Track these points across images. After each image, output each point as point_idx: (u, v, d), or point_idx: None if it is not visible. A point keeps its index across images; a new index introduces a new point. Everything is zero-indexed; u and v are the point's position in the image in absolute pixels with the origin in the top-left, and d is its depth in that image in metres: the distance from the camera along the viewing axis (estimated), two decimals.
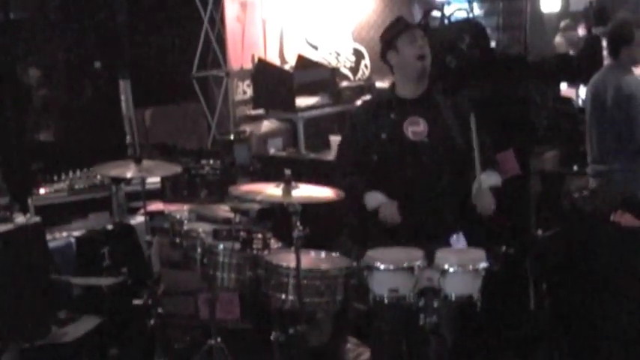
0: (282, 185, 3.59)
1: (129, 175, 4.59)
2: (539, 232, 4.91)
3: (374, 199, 4.00)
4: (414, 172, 3.99)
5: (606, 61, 5.65)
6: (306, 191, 3.63)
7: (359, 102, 6.35)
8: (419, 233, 3.90)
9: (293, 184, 3.59)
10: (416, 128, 4.01)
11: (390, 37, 4.10)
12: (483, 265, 3.43)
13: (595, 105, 5.31)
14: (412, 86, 4.09)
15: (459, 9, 6.69)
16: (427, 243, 3.68)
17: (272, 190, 3.62)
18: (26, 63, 7.15)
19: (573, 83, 7.34)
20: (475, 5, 8.75)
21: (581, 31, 9.07)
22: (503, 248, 3.62)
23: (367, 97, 7.05)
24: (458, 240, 3.96)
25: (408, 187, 3.98)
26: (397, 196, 3.98)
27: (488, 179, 3.96)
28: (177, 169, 4.85)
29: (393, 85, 4.19)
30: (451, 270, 3.40)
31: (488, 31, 6.25)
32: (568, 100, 6.75)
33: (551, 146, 5.69)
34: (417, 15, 8.14)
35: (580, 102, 6.95)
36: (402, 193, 3.98)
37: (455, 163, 4.02)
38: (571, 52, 8.40)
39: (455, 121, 4.03)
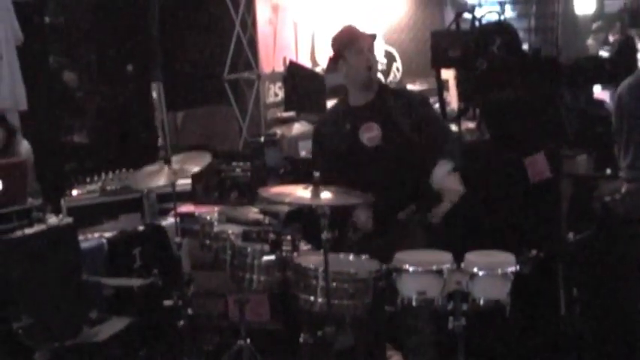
0: (310, 187, 3.59)
1: (160, 183, 4.59)
2: (571, 235, 4.87)
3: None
4: (374, 177, 4.07)
5: None
6: (334, 194, 3.63)
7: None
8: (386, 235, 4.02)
9: (322, 186, 3.59)
10: (370, 134, 4.13)
11: (338, 48, 4.18)
12: (512, 269, 3.41)
13: (631, 107, 5.25)
14: (361, 94, 4.20)
15: (490, 11, 6.67)
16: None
17: (301, 193, 3.63)
18: (61, 66, 7.23)
19: (607, 86, 7.26)
20: (507, 7, 8.72)
21: (612, 35, 9.00)
22: (534, 252, 3.58)
23: None
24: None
25: (371, 192, 3.99)
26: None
27: (441, 169, 4.01)
28: (207, 159, 4.77)
29: (345, 95, 4.29)
30: (480, 273, 3.38)
31: (521, 33, 6.22)
32: (601, 103, 6.69)
33: (583, 149, 5.64)
34: (449, 17, 8.13)
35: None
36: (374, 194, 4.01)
37: (413, 160, 4.11)
38: (604, 54, 8.32)
39: (406, 119, 4.11)
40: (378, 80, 4.38)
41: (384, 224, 4.10)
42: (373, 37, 4.30)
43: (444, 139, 4.20)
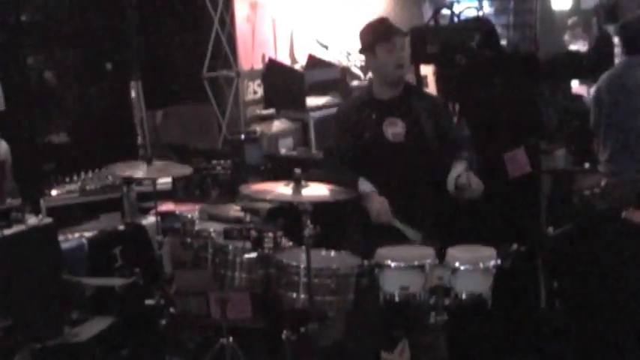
0: (292, 184, 3.60)
1: (140, 175, 4.64)
2: (550, 229, 4.90)
3: (365, 185, 4.05)
4: (393, 172, 4.06)
5: (618, 59, 5.62)
6: (317, 190, 3.63)
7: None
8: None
9: (303, 183, 3.60)
10: (395, 129, 4.09)
11: (369, 43, 4.13)
12: (494, 263, 3.43)
13: (609, 102, 5.30)
14: (387, 89, 4.17)
15: (469, 7, 6.69)
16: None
17: (282, 190, 3.63)
18: (37, 65, 7.18)
19: (585, 80, 7.32)
20: (485, 3, 8.75)
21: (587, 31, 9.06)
22: (514, 246, 3.60)
23: None
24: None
25: (389, 186, 4.03)
26: (384, 192, 4.04)
27: (458, 169, 3.99)
28: (187, 169, 4.89)
29: (370, 86, 4.27)
30: (462, 268, 3.40)
31: (499, 29, 6.23)
32: (579, 98, 6.73)
33: (561, 144, 5.68)
34: (427, 13, 8.15)
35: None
36: (383, 193, 4.03)
37: (432, 162, 4.09)
38: (581, 49, 8.38)
39: (429, 121, 4.09)
40: (406, 80, 4.31)
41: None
42: (405, 34, 4.24)
43: (462, 146, 4.17)
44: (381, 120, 4.10)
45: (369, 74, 8.52)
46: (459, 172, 3.96)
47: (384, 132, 4.09)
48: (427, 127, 4.09)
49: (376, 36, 4.12)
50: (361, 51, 4.28)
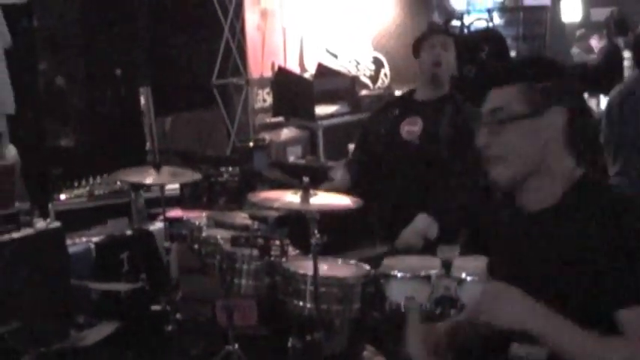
0: (299, 193, 3.60)
1: (148, 181, 4.66)
2: None
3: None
4: (402, 170, 4.09)
5: (627, 72, 5.62)
6: (324, 199, 3.64)
7: None
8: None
9: (311, 191, 3.60)
10: (411, 128, 4.11)
11: (416, 47, 4.19)
12: None
13: (620, 115, 5.28)
14: (427, 90, 4.19)
15: (479, 19, 6.71)
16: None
17: (290, 198, 3.63)
18: (48, 70, 7.21)
19: (593, 93, 7.31)
20: (495, 15, 8.77)
21: (594, 41, 9.06)
22: None
23: None
24: None
25: (400, 184, 4.08)
26: (392, 192, 4.11)
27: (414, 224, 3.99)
28: (196, 176, 4.90)
29: (415, 88, 4.29)
30: (468, 279, 3.40)
31: (509, 40, 6.26)
32: None
33: None
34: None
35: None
36: (395, 190, 4.10)
37: (434, 171, 4.06)
38: (589, 60, 8.39)
39: (449, 127, 4.06)
40: (449, 85, 4.26)
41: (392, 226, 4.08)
42: (449, 34, 4.29)
43: (463, 169, 4.07)
44: (402, 118, 4.13)
45: (378, 83, 8.55)
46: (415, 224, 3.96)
47: (400, 129, 4.11)
48: (444, 132, 4.07)
49: (420, 37, 4.22)
50: (415, 56, 4.27)
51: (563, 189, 2.15)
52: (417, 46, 4.20)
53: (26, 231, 4.69)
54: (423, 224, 3.97)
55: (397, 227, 4.05)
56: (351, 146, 6.55)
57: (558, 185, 2.16)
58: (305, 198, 3.57)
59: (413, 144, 4.08)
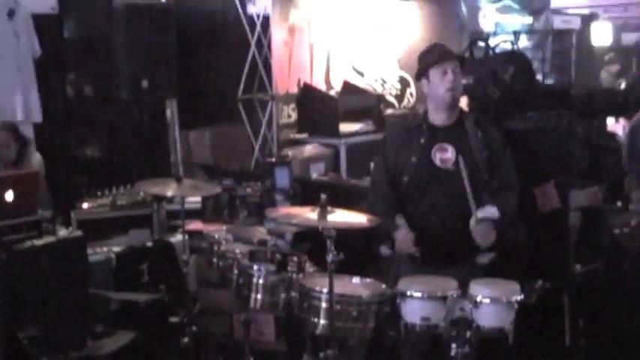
0: (317, 210, 3.61)
1: (170, 193, 4.68)
2: (578, 267, 4.86)
3: (398, 220, 4.05)
4: (439, 197, 4.03)
5: None
6: (342, 217, 3.64)
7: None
8: (445, 257, 3.96)
9: (329, 208, 3.61)
10: (444, 155, 4.05)
11: (423, 67, 4.14)
12: (517, 297, 3.41)
13: None
14: (443, 115, 4.13)
15: (505, 40, 6.71)
16: (454, 266, 3.80)
17: (308, 214, 3.64)
18: (76, 80, 7.29)
19: (619, 118, 7.27)
20: (523, 37, 8.76)
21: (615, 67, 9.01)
22: (540, 282, 3.58)
23: None
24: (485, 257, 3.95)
25: (434, 211, 4.02)
26: (424, 220, 4.04)
27: (483, 213, 3.94)
28: (216, 189, 4.93)
29: (426, 112, 4.23)
30: (484, 301, 3.39)
31: (535, 63, 6.24)
32: (612, 136, 6.69)
33: (593, 181, 5.64)
34: (464, 44, 8.15)
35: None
36: (428, 217, 4.04)
37: (479, 191, 4.01)
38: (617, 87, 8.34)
39: (483, 153, 4.04)
40: (460, 107, 4.28)
41: (432, 248, 4.01)
42: (461, 59, 4.24)
43: (502, 187, 4.09)
44: (431, 145, 4.09)
45: (404, 103, 8.56)
46: (477, 218, 3.91)
47: (433, 157, 4.07)
48: (479, 155, 4.05)
49: (429, 60, 4.13)
50: (417, 77, 4.24)
51: None
52: (424, 70, 4.12)
53: (48, 238, 4.73)
54: (481, 214, 3.92)
55: (446, 249, 4.01)
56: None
57: None
58: (322, 215, 3.57)
59: (449, 171, 4.06)
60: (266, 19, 7.49)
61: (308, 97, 7.67)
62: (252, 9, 7.53)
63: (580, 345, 4.91)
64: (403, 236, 4.00)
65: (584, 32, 9.78)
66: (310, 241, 4.38)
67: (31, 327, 4.35)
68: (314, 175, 6.93)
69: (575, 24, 9.87)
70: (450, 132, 4.10)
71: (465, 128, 4.10)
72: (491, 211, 3.95)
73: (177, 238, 5.59)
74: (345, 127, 7.50)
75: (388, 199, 4.13)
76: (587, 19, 10.18)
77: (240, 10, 7.44)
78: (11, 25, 6.54)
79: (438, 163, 4.05)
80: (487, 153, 4.06)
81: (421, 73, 4.15)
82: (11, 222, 4.73)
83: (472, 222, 3.91)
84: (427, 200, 4.05)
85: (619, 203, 5.51)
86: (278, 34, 7.58)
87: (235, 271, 4.10)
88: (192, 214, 5.69)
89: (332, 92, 8.09)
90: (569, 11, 10.29)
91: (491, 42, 5.66)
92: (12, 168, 5.39)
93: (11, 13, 6.55)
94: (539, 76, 6.42)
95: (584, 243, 5.14)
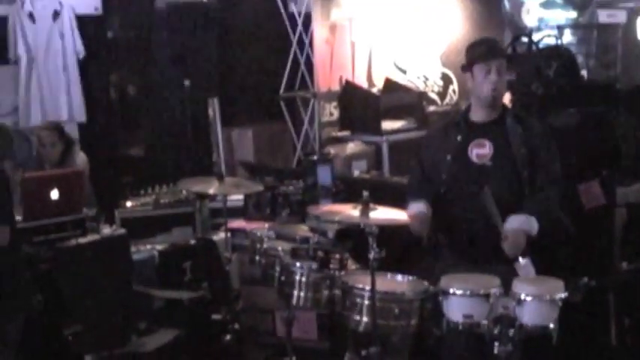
0: (359, 207, 3.60)
1: (212, 191, 4.71)
2: (624, 264, 4.79)
3: (413, 207, 3.99)
4: (475, 195, 3.92)
5: None
6: (384, 214, 3.63)
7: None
8: (485, 254, 3.87)
9: (371, 206, 3.59)
10: (481, 151, 3.97)
11: (468, 61, 4.08)
12: (561, 295, 3.36)
13: None
14: (484, 112, 4.05)
15: (549, 35, 6.61)
16: (495, 264, 3.71)
17: (350, 212, 3.64)
18: (120, 80, 7.37)
19: None
20: (567, 32, 8.64)
21: None
22: (585, 280, 3.53)
23: None
24: (524, 266, 3.84)
25: (471, 208, 3.94)
26: (461, 217, 3.97)
27: (511, 224, 3.82)
28: (258, 187, 4.94)
29: (468, 107, 4.17)
30: (528, 299, 3.34)
31: (580, 58, 6.15)
32: None
33: (639, 177, 5.55)
34: (507, 40, 8.07)
35: None
36: (465, 214, 3.96)
37: (514, 192, 3.93)
38: None
39: (522, 150, 3.97)
40: (504, 103, 4.19)
41: (472, 246, 3.95)
42: (508, 57, 4.17)
43: (544, 183, 3.97)
44: (468, 141, 4.02)
45: (446, 100, 8.50)
46: (511, 224, 3.81)
47: (469, 153, 4.01)
48: (519, 151, 3.95)
49: (475, 56, 4.04)
50: (462, 69, 4.15)
51: None
52: (469, 64, 4.03)
53: (92, 237, 4.80)
54: (519, 223, 3.82)
55: (484, 248, 3.91)
56: None
57: None
58: (364, 212, 3.56)
59: (485, 167, 4.01)
60: (307, 18, 7.49)
61: (350, 94, 7.65)
62: (293, 7, 7.54)
63: (626, 344, 4.84)
64: (414, 214, 3.93)
65: (630, 26, 9.61)
66: (352, 238, 4.36)
67: (75, 324, 4.42)
68: (356, 173, 6.90)
69: (621, 18, 9.71)
70: (488, 128, 4.04)
71: (505, 124, 4.04)
72: (516, 222, 3.82)
73: (219, 236, 5.60)
74: (387, 125, 7.47)
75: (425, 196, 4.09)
76: (634, 13, 10.03)
77: (281, 8, 7.46)
78: (56, 26, 6.65)
79: (474, 158, 3.99)
80: (526, 149, 3.98)
81: (467, 67, 4.10)
82: (56, 220, 4.82)
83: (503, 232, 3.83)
84: (464, 198, 3.99)
85: None
86: (319, 32, 7.57)
87: (277, 269, 4.11)
88: (235, 212, 5.71)
89: (374, 90, 8.05)
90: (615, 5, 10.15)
91: (535, 37, 5.59)
92: (57, 167, 5.47)
93: (56, 15, 6.65)
94: (584, 72, 6.31)
95: (631, 240, 5.05)
